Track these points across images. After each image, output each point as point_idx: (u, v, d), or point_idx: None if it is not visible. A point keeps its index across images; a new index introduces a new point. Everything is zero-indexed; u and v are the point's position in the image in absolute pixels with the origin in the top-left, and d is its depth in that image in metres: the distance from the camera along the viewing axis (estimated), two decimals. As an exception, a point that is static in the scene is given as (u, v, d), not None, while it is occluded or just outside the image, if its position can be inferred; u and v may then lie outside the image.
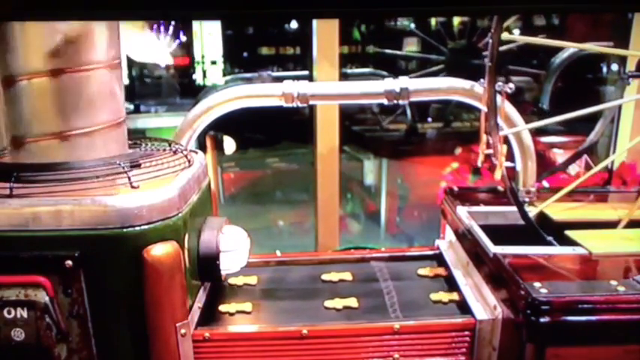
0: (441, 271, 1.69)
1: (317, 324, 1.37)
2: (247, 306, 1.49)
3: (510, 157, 1.70)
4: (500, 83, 1.55)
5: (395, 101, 1.84)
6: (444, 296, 1.51)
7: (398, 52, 5.03)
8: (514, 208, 1.57)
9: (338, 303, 1.49)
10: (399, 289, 1.57)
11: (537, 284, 1.19)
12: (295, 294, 1.60)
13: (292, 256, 1.82)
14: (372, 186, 4.92)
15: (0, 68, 1.21)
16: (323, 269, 1.71)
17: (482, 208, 1.75)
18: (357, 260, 1.81)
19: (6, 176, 1.18)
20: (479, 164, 1.71)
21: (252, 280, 1.66)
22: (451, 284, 1.60)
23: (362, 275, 1.68)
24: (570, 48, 2.91)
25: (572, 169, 2.26)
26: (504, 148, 1.53)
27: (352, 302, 1.49)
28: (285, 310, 1.50)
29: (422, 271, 1.69)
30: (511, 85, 1.57)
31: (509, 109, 1.69)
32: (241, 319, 1.45)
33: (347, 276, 1.67)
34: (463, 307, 1.46)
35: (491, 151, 1.57)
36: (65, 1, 0.70)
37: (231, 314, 1.47)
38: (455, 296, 1.51)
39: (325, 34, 2.62)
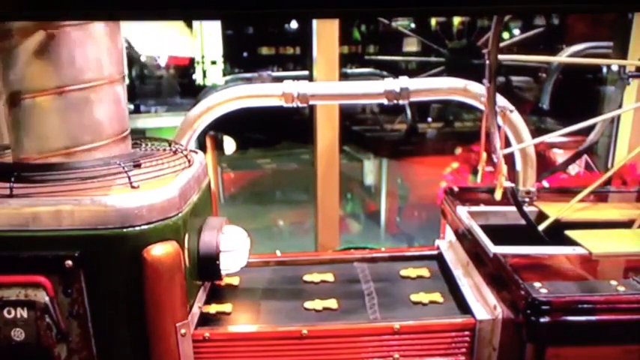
0: (424, 272, 1.68)
1: (317, 324, 1.37)
2: (227, 307, 1.49)
3: (511, 169, 1.69)
4: (501, 103, 1.54)
5: (395, 101, 1.83)
6: (424, 297, 1.51)
7: (390, 58, 4.98)
8: (514, 208, 1.57)
9: (318, 304, 1.49)
10: (380, 291, 1.57)
11: (537, 284, 1.19)
12: (276, 295, 1.60)
13: (279, 257, 1.81)
14: (372, 186, 4.92)
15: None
16: (306, 270, 1.71)
17: (482, 208, 1.75)
18: (339, 261, 1.80)
19: (6, 176, 1.18)
20: (478, 181, 1.71)
21: (235, 280, 1.65)
22: (434, 285, 1.60)
23: (344, 276, 1.68)
24: (570, 48, 2.92)
25: (572, 169, 2.26)
26: (505, 168, 1.52)
27: (332, 303, 1.49)
28: (265, 311, 1.50)
29: (404, 272, 1.68)
30: (511, 107, 1.57)
31: (517, 120, 1.68)
32: (226, 320, 1.45)
33: (329, 277, 1.66)
34: (443, 308, 1.47)
35: (492, 169, 1.57)
36: (65, 1, 0.70)
37: (212, 315, 1.46)
38: (435, 297, 1.51)
39: (325, 34, 2.62)
